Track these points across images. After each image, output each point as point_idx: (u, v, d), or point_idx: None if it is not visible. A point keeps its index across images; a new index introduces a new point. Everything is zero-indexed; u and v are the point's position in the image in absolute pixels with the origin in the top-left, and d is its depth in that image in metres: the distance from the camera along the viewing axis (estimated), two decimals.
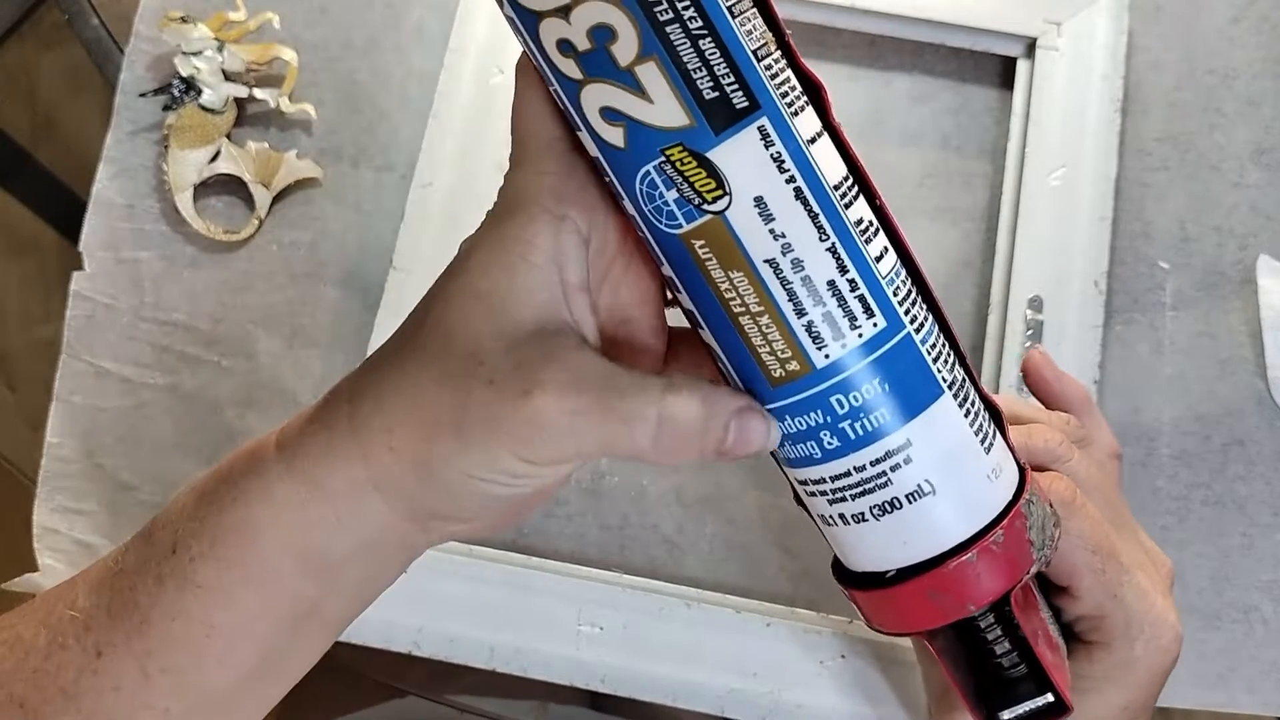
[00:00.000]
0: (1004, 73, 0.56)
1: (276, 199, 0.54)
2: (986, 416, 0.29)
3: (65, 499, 0.52)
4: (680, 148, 0.25)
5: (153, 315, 0.53)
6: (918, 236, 0.54)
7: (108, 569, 0.29)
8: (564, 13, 0.24)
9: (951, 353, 0.28)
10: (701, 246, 0.26)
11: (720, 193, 0.25)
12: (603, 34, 0.24)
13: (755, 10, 0.25)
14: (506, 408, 0.25)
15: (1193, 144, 0.55)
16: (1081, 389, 0.41)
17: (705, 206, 0.25)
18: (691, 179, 0.25)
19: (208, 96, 0.53)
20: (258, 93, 0.54)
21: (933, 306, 0.28)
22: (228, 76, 0.54)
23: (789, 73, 0.26)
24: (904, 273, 0.27)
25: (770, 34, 0.25)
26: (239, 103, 0.55)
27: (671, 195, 0.25)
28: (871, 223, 0.27)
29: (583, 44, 0.24)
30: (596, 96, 0.25)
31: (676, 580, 0.49)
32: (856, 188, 0.27)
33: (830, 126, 0.26)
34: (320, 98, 0.56)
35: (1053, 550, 0.30)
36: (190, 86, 0.53)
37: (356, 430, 0.26)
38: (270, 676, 0.29)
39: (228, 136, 0.54)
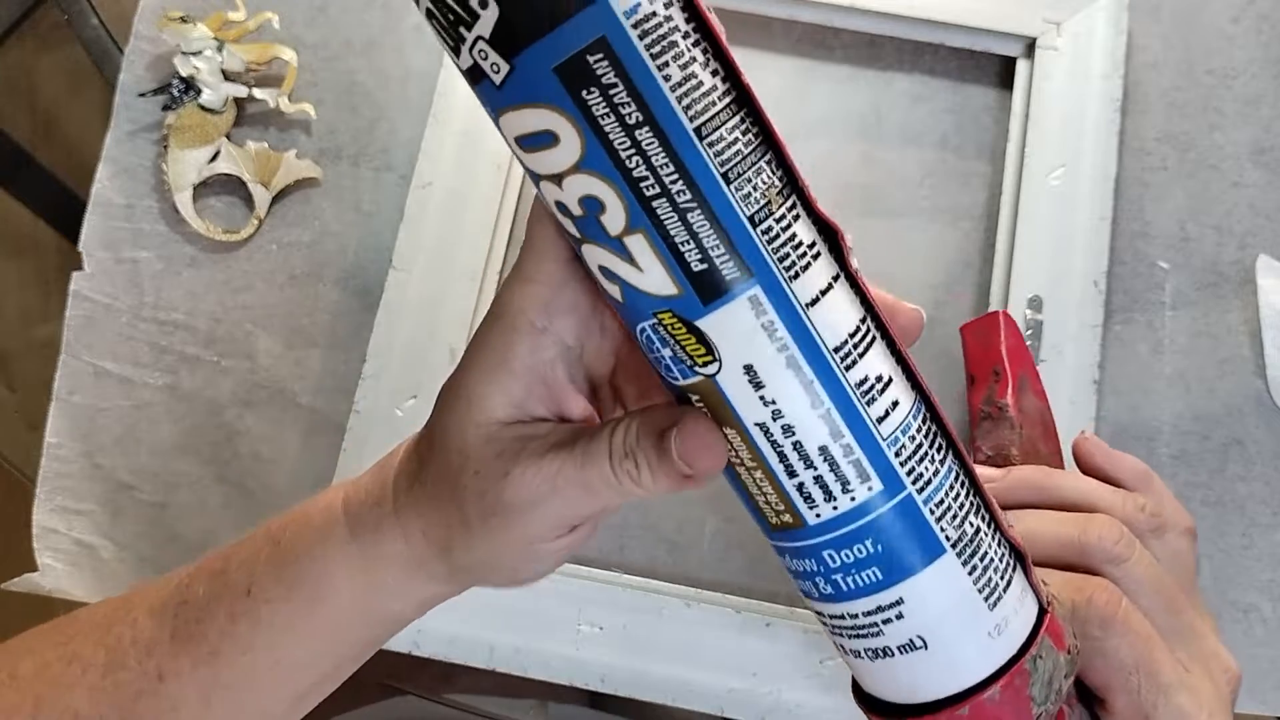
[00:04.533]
0: (1003, 73, 0.56)
1: (276, 199, 0.54)
2: (1000, 568, 0.28)
3: (65, 499, 0.52)
4: (670, 314, 0.25)
5: (152, 315, 0.53)
6: (917, 236, 0.54)
7: (170, 596, 0.30)
8: (557, 180, 0.24)
9: (965, 504, 0.27)
10: (698, 401, 0.26)
11: (710, 359, 0.25)
12: (592, 204, 0.24)
13: (764, 163, 0.24)
14: (491, 494, 0.27)
15: (1192, 144, 0.55)
16: (1140, 467, 0.38)
17: (697, 369, 0.25)
18: (682, 343, 0.25)
19: (207, 96, 0.53)
20: (257, 93, 0.54)
21: (955, 454, 0.27)
22: (227, 76, 0.54)
23: (795, 228, 0.25)
24: (915, 426, 0.26)
25: (777, 187, 0.24)
26: (238, 102, 0.55)
27: (667, 353, 0.26)
28: (879, 378, 0.26)
29: (576, 210, 0.24)
30: (593, 256, 0.25)
31: (676, 580, 0.49)
32: (867, 341, 0.26)
33: (847, 273, 0.26)
34: (320, 97, 0.56)
35: (1059, 701, 0.29)
36: (190, 86, 0.53)
37: (399, 513, 0.29)
38: (316, 694, 0.32)
39: (227, 136, 0.54)
